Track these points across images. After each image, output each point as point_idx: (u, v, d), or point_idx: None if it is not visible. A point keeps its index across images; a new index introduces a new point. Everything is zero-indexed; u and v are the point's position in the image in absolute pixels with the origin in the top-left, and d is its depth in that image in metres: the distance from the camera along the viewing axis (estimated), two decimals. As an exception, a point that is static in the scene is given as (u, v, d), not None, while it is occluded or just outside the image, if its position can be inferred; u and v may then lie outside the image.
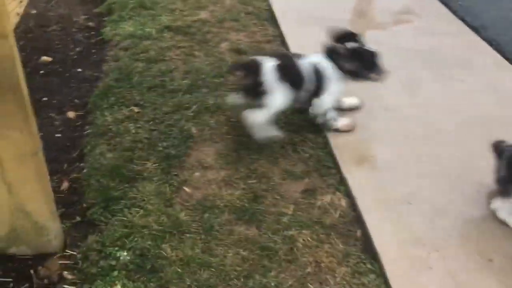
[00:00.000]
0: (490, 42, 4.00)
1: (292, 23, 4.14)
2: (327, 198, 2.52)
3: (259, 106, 2.69)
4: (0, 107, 1.81)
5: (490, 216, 2.38)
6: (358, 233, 2.34)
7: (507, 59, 3.78)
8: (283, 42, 3.88)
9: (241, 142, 2.83)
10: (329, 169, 2.70)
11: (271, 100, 2.67)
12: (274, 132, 2.80)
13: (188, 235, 2.28)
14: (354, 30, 2.91)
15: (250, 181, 2.59)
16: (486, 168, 2.46)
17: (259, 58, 2.74)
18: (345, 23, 4.09)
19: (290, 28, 4.06)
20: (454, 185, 2.56)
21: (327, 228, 2.36)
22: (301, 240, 2.28)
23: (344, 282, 2.11)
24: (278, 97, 2.68)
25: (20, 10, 4.27)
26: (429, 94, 3.32)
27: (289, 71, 2.72)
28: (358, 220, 2.39)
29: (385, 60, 2.83)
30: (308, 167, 2.71)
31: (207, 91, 3.26)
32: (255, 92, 2.69)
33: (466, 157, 2.75)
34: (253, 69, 2.68)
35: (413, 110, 3.14)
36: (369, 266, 2.17)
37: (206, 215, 2.38)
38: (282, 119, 2.99)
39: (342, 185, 2.59)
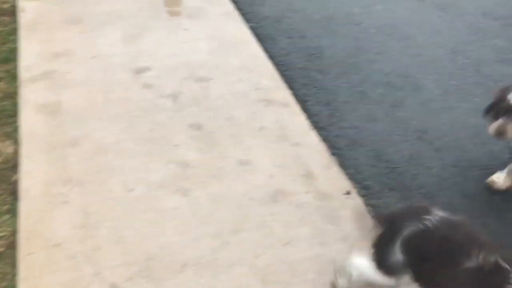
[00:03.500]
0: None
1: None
2: (-4, 147, 2.52)
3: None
4: None
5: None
6: (14, 178, 2.38)
7: (238, 10, 4.01)
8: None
9: None
10: (9, 117, 2.69)
11: None
12: None
13: None
14: None
15: None
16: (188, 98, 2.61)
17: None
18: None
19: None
20: (128, 126, 2.70)
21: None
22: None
23: None
24: None
25: None
26: (147, 44, 3.42)
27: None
28: (17, 165, 2.43)
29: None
30: (-12, 117, 2.68)
31: None
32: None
33: (153, 103, 2.91)
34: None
35: (123, 58, 3.22)
36: (8, 207, 2.23)
37: None
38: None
39: (16, 132, 2.60)
